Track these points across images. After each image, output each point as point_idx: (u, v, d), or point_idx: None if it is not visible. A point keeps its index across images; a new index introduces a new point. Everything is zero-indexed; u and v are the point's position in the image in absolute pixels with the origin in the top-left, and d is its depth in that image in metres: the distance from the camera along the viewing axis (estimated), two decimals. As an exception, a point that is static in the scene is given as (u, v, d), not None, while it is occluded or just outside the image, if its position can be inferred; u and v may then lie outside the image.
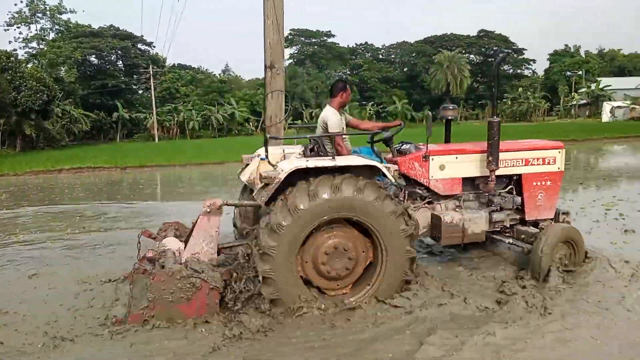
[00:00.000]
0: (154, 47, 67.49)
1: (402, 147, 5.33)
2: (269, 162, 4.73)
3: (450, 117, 5.33)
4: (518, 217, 5.30)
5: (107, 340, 3.82)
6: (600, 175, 14.08)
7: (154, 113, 56.11)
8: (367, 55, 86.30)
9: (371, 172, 4.40)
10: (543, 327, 3.64)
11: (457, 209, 5.10)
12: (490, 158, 4.90)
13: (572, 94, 70.79)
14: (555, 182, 5.39)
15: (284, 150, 5.34)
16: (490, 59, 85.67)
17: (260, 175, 4.31)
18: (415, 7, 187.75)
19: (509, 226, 5.25)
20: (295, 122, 65.12)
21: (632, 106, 55.45)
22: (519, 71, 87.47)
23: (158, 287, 3.99)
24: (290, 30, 79.61)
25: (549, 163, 5.35)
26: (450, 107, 5.46)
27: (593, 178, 13.30)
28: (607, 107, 57.96)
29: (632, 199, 9.25)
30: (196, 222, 4.52)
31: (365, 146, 5.37)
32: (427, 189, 5.07)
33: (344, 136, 5.18)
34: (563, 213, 5.41)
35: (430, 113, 5.28)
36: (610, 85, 67.15)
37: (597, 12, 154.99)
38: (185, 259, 4.27)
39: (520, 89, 72.85)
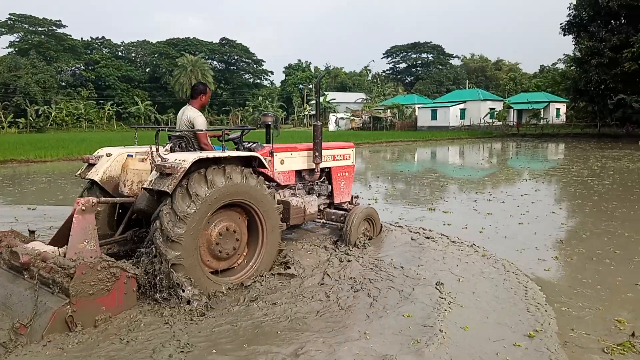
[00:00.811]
0: None
1: (250, 146, 6.32)
2: (155, 157, 5.01)
3: (269, 122, 6.79)
4: (329, 201, 7.37)
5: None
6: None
7: None
8: (105, 51, 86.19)
9: (245, 162, 5.35)
10: (347, 270, 5.71)
11: (293, 196, 6.70)
12: (317, 154, 6.67)
13: (304, 105, 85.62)
14: (351, 173, 7.61)
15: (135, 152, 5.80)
16: (232, 67, 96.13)
17: (158, 165, 4.70)
18: (159, 7, 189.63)
19: (322, 209, 7.17)
20: (17, 120, 61.80)
21: (352, 117, 70.34)
22: (258, 81, 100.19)
23: (79, 281, 4.03)
24: (9, 14, 74.37)
25: (346, 159, 7.51)
26: (270, 114, 6.91)
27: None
28: (332, 118, 71.83)
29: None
30: (69, 221, 4.76)
31: (217, 144, 5.85)
32: (271, 180, 6.20)
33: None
34: (355, 197, 7.76)
35: (277, 115, 6.90)
36: (335, 99, 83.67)
37: (325, 33, 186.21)
38: (69, 258, 4.35)
39: (260, 98, 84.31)
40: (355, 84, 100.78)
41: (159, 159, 4.94)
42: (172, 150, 5.83)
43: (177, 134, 5.92)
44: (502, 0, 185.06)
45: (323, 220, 7.35)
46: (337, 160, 7.44)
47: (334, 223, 7.31)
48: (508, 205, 10.73)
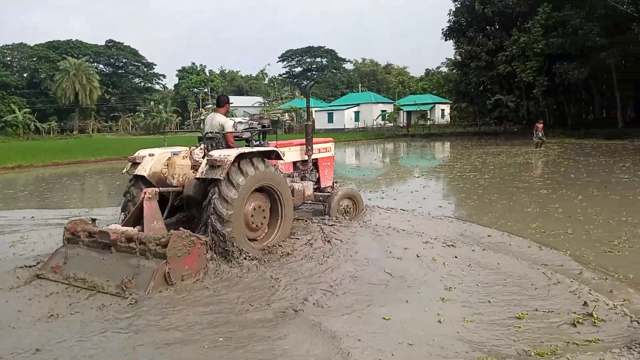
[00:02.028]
0: None
1: (260, 143, 7.68)
2: (196, 155, 7.10)
3: (265, 124, 7.79)
4: (317, 186, 9.03)
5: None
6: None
7: None
8: (-28, 54, 78.04)
9: (266, 155, 6.86)
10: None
11: (294, 182, 8.20)
12: (309, 147, 8.46)
13: (200, 109, 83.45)
14: (332, 163, 9.47)
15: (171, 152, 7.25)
16: (120, 71, 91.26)
17: (208, 159, 6.17)
18: (37, 6, 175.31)
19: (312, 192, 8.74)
20: None
21: (250, 122, 70.59)
22: (149, 85, 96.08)
23: (175, 246, 5.36)
24: None
25: (328, 151, 9.31)
26: (265, 117, 8.12)
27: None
28: (230, 122, 71.71)
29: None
30: (138, 208, 6.24)
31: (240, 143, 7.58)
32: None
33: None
34: (335, 182, 9.53)
35: (273, 119, 9.05)
36: (232, 103, 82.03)
37: (219, 35, 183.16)
38: (147, 233, 5.74)
39: (152, 103, 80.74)
40: (253, 87, 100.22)
41: (208, 155, 6.39)
42: (205, 149, 7.19)
43: (209, 135, 7.32)
44: (388, 8, 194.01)
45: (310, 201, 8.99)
46: (322, 152, 9.17)
47: (320, 203, 9.03)
48: (400, 202, 11.13)
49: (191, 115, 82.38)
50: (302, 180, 8.76)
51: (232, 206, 6.08)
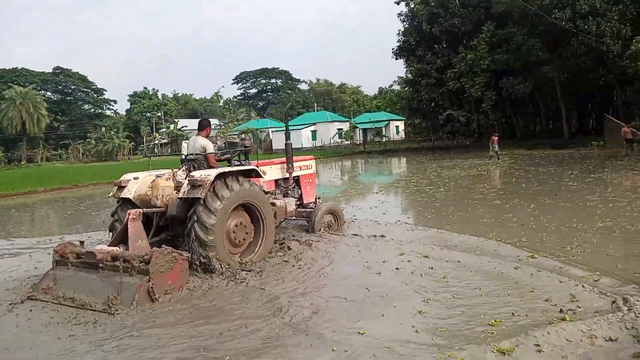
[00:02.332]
0: None
1: (241, 162, 8.12)
2: (178, 177, 7.50)
3: (247, 145, 8.30)
4: (299, 202, 9.35)
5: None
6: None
7: None
8: None
9: (245, 174, 7.31)
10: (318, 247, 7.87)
11: (276, 199, 8.49)
12: (289, 165, 8.90)
13: (154, 133, 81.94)
14: (313, 179, 9.85)
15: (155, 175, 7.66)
16: (69, 98, 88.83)
17: (189, 179, 6.61)
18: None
19: (294, 209, 9.09)
20: None
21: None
22: (100, 111, 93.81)
23: (158, 262, 5.70)
24: None
25: (309, 168, 9.68)
26: (247, 138, 8.69)
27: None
28: (185, 145, 69.65)
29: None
30: (124, 228, 6.65)
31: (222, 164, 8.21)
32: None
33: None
34: (317, 198, 9.79)
35: (252, 139, 9.33)
36: (187, 126, 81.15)
37: (171, 59, 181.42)
38: (131, 253, 6.08)
39: (104, 129, 78.66)
40: (207, 110, 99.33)
41: (189, 175, 6.85)
42: (188, 170, 7.54)
43: (190, 157, 7.71)
44: (340, 29, 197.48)
45: (294, 217, 9.29)
46: (303, 170, 9.53)
47: (303, 218, 9.35)
48: (359, 218, 11.15)
49: (144, 140, 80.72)
50: (284, 197, 9.10)
51: (216, 217, 6.57)
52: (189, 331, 4.83)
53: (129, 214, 6.62)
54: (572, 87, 37.50)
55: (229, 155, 8.15)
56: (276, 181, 9.01)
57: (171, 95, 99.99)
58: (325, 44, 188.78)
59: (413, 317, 4.83)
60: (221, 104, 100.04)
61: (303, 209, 9.34)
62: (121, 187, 7.53)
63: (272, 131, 69.68)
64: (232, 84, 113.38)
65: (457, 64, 38.59)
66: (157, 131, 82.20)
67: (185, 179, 7.02)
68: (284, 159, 9.04)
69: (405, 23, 44.47)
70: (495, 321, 4.56)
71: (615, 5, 30.07)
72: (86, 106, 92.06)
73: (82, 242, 6.84)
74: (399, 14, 44.17)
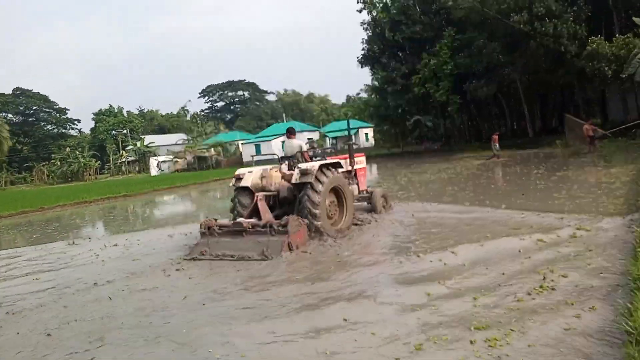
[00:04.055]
0: None
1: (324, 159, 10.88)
2: (283, 170, 10.36)
3: (314, 147, 12.49)
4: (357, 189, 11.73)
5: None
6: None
7: None
8: None
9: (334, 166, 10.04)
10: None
11: (350, 185, 11.06)
12: (351, 160, 11.52)
13: (121, 151, 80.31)
14: (365, 172, 12.49)
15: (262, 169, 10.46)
16: (31, 119, 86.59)
17: (300, 169, 9.30)
18: None
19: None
20: None
21: (175, 160, 67.41)
22: (64, 131, 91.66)
23: (292, 225, 8.46)
24: None
25: (362, 163, 12.26)
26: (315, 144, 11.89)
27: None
28: (153, 162, 67.86)
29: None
30: (255, 205, 9.44)
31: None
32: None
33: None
34: (367, 186, 12.34)
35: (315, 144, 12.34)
36: (154, 142, 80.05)
37: (135, 75, 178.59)
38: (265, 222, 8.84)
39: (68, 149, 76.76)
40: (174, 125, 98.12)
41: (298, 166, 9.56)
42: (288, 165, 10.40)
43: (289, 156, 10.69)
44: (305, 38, 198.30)
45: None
46: (359, 164, 12.10)
47: (363, 201, 11.89)
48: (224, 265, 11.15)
49: (111, 158, 79.14)
50: (349, 184, 11.10)
51: (319, 194, 9.16)
52: (314, 262, 8.05)
53: (257, 196, 9.58)
54: (533, 88, 38.38)
55: (320, 153, 11.68)
56: (343, 173, 10.87)
57: (137, 112, 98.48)
58: (291, 54, 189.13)
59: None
60: (188, 118, 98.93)
61: (360, 195, 11.83)
62: (239, 179, 10.17)
63: (242, 143, 69.26)
64: (198, 97, 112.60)
65: (421, 69, 39.11)
66: (124, 149, 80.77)
67: (289, 170, 10.17)
68: (347, 156, 11.57)
69: (368, 31, 44.90)
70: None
71: (571, 6, 31.06)
72: (49, 126, 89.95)
73: (216, 219, 9.64)
74: (362, 22, 44.57)
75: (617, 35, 28.26)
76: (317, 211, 9.03)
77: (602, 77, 28.01)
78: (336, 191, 9.85)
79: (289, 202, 9.79)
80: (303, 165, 9.45)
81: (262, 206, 9.37)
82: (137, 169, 76.43)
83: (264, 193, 9.80)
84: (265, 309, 5.90)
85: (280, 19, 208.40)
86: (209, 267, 8.28)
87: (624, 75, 24.59)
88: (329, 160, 10.21)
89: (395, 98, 42.26)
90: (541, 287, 5.53)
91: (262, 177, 10.14)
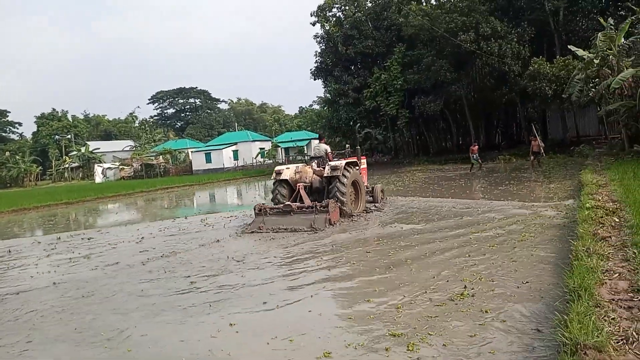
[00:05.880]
0: None
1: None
2: (314, 166, 13.81)
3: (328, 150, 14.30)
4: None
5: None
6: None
7: None
8: None
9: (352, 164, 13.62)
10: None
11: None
12: (357, 161, 14.27)
13: (64, 157, 77.02)
14: (366, 170, 15.70)
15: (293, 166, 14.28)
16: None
17: (330, 165, 12.74)
18: None
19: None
20: None
21: (122, 167, 65.60)
22: (3, 134, 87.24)
23: (332, 206, 11.98)
24: None
25: (365, 164, 15.50)
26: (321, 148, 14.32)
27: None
28: (98, 169, 65.36)
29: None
30: (298, 192, 12.96)
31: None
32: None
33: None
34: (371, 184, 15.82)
35: (356, 148, 16.09)
36: (99, 148, 77.45)
37: (80, 79, 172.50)
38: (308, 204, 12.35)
39: (7, 154, 73.07)
40: (122, 131, 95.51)
41: (328, 164, 13.04)
42: (317, 163, 13.75)
43: (318, 156, 13.93)
44: (258, 48, 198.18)
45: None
46: (363, 165, 15.21)
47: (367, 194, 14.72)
48: (288, 237, 11.08)
49: (53, 164, 75.84)
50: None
51: (345, 186, 12.57)
52: (346, 232, 11.36)
53: (299, 186, 13.05)
54: (478, 105, 39.72)
55: (340, 155, 15.39)
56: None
57: (82, 117, 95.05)
58: (246, 64, 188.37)
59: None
60: (137, 124, 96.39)
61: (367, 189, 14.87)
62: (279, 173, 13.51)
63: (192, 151, 68.06)
64: (148, 103, 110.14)
65: (373, 83, 39.77)
66: (67, 154, 77.65)
67: (319, 167, 13.57)
68: (355, 157, 14.55)
69: (321, 44, 45.28)
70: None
71: (515, 28, 32.47)
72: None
73: (263, 204, 13.01)
74: (315, 36, 44.93)
75: (558, 56, 29.77)
76: (344, 198, 12.40)
77: (543, 97, 29.31)
78: (354, 184, 13.22)
79: (318, 192, 13.23)
80: (333, 163, 12.94)
81: (303, 193, 12.89)
82: (80, 175, 73.66)
83: (303, 184, 13.14)
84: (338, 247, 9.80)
85: (235, 27, 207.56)
86: (266, 237, 11.39)
87: (564, 96, 25.80)
88: (350, 160, 13.60)
89: (346, 110, 42.72)
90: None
91: (296, 172, 13.56)
